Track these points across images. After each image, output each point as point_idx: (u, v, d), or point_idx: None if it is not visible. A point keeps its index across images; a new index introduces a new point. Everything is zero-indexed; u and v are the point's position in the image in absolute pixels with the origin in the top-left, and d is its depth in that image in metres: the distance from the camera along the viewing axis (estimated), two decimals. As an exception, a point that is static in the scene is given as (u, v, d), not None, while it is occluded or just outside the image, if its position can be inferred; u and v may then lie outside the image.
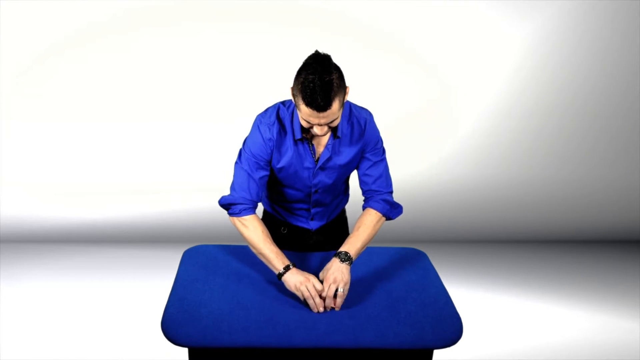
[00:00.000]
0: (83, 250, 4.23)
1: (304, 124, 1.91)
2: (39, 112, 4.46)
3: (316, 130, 1.89)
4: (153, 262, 4.05)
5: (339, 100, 1.83)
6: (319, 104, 1.79)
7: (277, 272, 1.94)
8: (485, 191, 4.82)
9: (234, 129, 3.96)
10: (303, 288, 1.87)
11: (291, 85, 1.89)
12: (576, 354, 3.12)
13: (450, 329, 1.85)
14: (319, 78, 1.77)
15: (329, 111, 1.82)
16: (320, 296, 1.89)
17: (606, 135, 4.85)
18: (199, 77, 4.49)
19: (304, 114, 1.84)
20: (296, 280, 1.89)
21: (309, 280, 1.88)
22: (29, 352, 2.96)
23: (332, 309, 1.89)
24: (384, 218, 2.10)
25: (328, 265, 1.96)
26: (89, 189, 4.55)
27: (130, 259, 4.11)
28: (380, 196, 2.10)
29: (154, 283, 3.66)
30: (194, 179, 4.63)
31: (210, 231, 4.41)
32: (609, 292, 3.88)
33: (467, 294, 3.73)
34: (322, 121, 1.85)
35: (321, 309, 1.87)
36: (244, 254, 2.17)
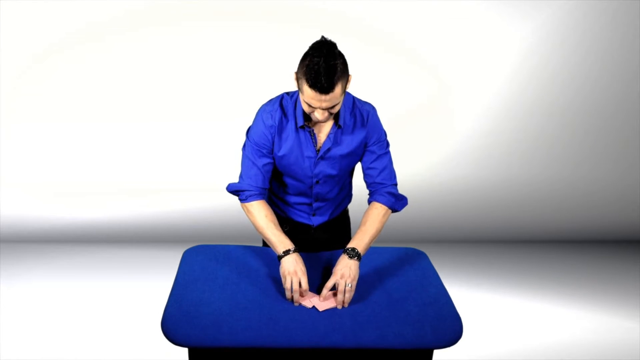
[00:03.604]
0: (83, 250, 4.23)
1: (306, 108, 1.92)
2: (39, 112, 4.46)
3: (317, 114, 1.91)
4: (153, 262, 4.05)
5: (342, 85, 1.86)
6: (323, 85, 1.81)
7: (277, 255, 1.99)
8: (485, 191, 4.82)
9: (234, 129, 3.95)
10: (288, 279, 1.91)
11: (295, 70, 1.91)
12: (576, 354, 3.12)
13: (450, 329, 1.85)
14: (324, 61, 1.80)
15: (331, 94, 1.84)
16: (330, 292, 1.91)
17: (606, 135, 4.86)
18: (198, 77, 4.49)
19: (307, 96, 1.86)
20: (287, 268, 1.93)
21: (297, 275, 1.91)
22: (29, 352, 2.96)
23: (333, 308, 1.89)
24: (389, 211, 2.12)
25: (338, 261, 1.99)
26: (89, 189, 4.55)
27: (130, 259, 4.11)
28: (385, 189, 2.12)
29: (154, 283, 3.66)
30: (194, 179, 4.63)
31: (210, 231, 4.41)
32: (609, 292, 3.88)
33: (467, 294, 3.73)
34: (324, 104, 1.87)
35: (296, 304, 1.90)
36: (244, 254, 2.17)
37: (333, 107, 1.89)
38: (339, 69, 1.83)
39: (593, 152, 4.88)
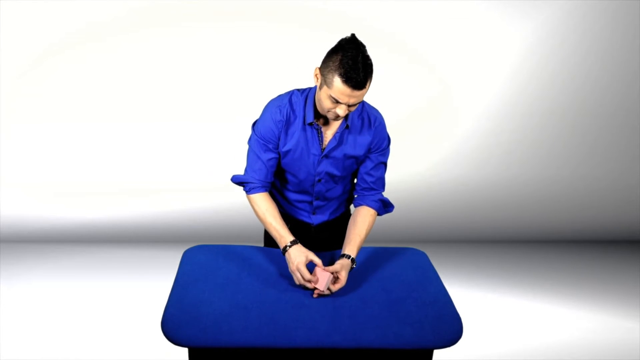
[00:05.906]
0: (83, 250, 4.23)
1: (328, 104, 1.89)
2: (39, 112, 4.46)
3: (339, 110, 1.89)
4: (153, 262, 4.05)
5: (369, 85, 1.85)
6: (358, 79, 1.80)
7: (281, 248, 2.03)
8: (485, 191, 4.82)
9: (234, 129, 3.96)
10: (294, 276, 1.96)
11: (317, 66, 1.91)
12: (576, 354, 3.12)
13: (450, 329, 1.85)
14: (362, 56, 1.80)
15: (362, 90, 1.83)
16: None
17: (606, 135, 4.86)
18: (198, 77, 4.50)
19: (337, 90, 1.83)
20: (290, 266, 1.99)
21: (298, 270, 1.95)
22: (29, 352, 2.97)
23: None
24: (376, 215, 2.20)
25: (341, 262, 2.01)
26: (89, 189, 4.55)
27: (130, 259, 4.11)
28: (377, 195, 2.18)
29: (154, 283, 3.66)
30: (194, 179, 4.63)
31: (210, 231, 4.41)
32: (609, 292, 3.88)
33: (467, 294, 3.73)
34: (352, 100, 1.85)
35: (315, 296, 1.94)
36: (244, 253, 2.17)
37: (355, 104, 1.90)
38: (371, 67, 1.83)
39: (593, 152, 4.88)
